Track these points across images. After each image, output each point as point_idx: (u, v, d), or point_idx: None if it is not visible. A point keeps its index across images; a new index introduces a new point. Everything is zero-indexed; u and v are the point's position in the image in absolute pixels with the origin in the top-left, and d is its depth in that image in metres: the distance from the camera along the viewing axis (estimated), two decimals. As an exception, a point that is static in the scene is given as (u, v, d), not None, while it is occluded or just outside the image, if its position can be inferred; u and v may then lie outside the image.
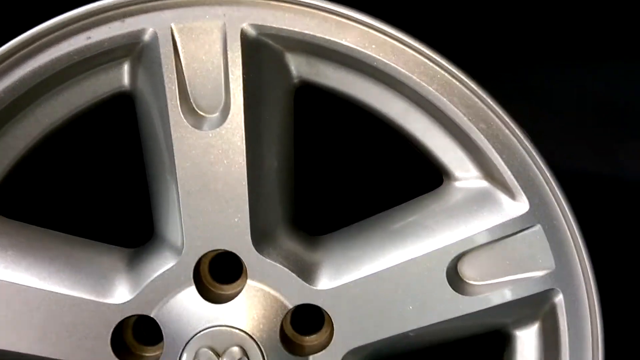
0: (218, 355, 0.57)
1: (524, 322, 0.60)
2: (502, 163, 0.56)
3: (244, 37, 0.54)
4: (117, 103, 0.61)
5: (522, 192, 0.55)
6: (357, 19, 0.55)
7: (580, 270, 0.56)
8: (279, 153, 0.59)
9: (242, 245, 0.57)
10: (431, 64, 0.55)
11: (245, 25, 0.54)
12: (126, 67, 0.57)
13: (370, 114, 0.61)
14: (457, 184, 0.60)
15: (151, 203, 0.61)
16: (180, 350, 0.57)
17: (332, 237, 0.64)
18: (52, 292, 0.56)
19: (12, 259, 0.57)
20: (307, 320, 0.62)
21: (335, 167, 0.83)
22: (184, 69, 0.54)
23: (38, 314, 0.56)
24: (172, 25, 0.54)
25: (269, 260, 0.57)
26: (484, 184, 0.59)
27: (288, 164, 0.62)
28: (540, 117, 0.84)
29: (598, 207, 0.83)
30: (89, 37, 0.55)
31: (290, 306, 0.58)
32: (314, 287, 0.58)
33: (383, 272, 0.57)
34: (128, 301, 0.57)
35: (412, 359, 0.65)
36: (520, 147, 0.56)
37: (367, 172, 0.83)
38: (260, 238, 0.58)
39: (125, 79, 0.58)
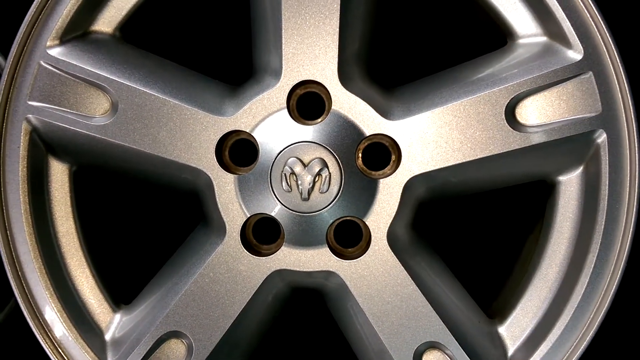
0: (304, 165, 0.69)
1: (568, 167, 0.69)
2: (564, 16, 0.64)
3: None
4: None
5: (579, 42, 0.64)
6: None
7: (624, 114, 0.64)
8: (364, 12, 0.70)
9: (330, 77, 0.67)
10: None
11: None
12: None
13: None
14: (520, 41, 0.69)
15: (255, 44, 0.72)
16: (273, 160, 0.69)
17: (404, 87, 0.74)
18: (173, 102, 0.68)
19: (144, 76, 0.69)
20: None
21: (411, 34, 0.91)
22: None
23: (160, 119, 0.68)
24: None
25: (350, 93, 0.68)
26: (543, 39, 0.68)
27: (370, 22, 0.71)
28: None
29: None
30: None
31: (367, 133, 0.68)
32: (387, 119, 0.68)
33: (449, 107, 0.67)
34: (232, 117, 0.69)
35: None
36: (581, 3, 0.64)
37: (440, 39, 0.90)
38: (344, 75, 0.68)
39: None
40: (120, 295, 0.77)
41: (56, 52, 0.67)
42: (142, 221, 0.94)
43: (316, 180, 0.69)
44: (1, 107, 0.67)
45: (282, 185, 0.69)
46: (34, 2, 0.66)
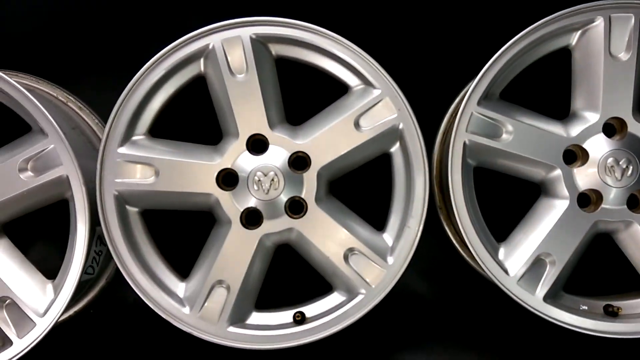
0: (264, 175, 1.28)
1: (393, 143, 1.37)
2: (369, 75, 1.31)
3: (252, 41, 1.29)
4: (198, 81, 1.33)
5: (377, 85, 1.33)
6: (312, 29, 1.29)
7: (408, 113, 1.32)
8: (273, 93, 1.33)
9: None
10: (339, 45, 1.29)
11: (254, 36, 1.28)
12: (202, 62, 1.30)
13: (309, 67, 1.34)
14: (352, 89, 1.37)
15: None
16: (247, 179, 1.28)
17: (305, 124, 1.38)
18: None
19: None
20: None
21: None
22: (229, 61, 1.28)
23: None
24: (222, 40, 1.27)
25: (276, 133, 1.30)
26: (362, 86, 1.36)
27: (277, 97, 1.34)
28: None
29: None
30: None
31: (290, 153, 1.30)
32: (298, 142, 1.32)
33: (327, 129, 1.30)
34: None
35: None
36: (374, 67, 1.30)
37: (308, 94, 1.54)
38: (271, 126, 1.30)
39: (202, 68, 1.31)
40: (182, 272, 1.36)
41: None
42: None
43: (273, 182, 1.29)
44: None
45: (250, 189, 1.29)
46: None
